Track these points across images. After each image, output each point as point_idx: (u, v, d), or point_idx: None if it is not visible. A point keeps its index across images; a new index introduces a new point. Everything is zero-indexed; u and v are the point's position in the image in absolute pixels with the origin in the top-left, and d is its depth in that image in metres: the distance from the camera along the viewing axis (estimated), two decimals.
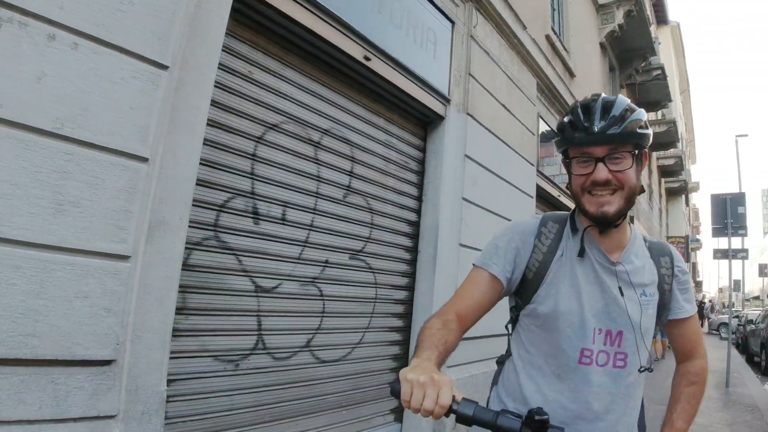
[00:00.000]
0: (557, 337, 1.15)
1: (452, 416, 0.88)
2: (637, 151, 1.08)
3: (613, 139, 1.04)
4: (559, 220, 1.23)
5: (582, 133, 1.05)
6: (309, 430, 2.94)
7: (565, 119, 1.11)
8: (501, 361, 1.32)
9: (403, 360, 3.71)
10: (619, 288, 1.13)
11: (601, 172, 1.04)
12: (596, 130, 1.03)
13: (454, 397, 0.87)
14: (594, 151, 1.06)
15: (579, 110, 1.07)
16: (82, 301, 1.71)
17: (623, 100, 1.08)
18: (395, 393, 0.90)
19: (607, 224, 1.11)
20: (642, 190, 1.12)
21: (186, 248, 2.19)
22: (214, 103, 2.42)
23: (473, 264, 1.23)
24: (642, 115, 1.08)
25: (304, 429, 2.92)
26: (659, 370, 8.78)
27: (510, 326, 1.30)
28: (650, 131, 1.09)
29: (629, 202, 1.09)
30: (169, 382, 2.14)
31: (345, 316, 3.28)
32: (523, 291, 1.21)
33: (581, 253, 1.15)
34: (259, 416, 2.66)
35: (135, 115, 1.88)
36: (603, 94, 1.10)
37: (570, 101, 7.53)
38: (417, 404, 0.85)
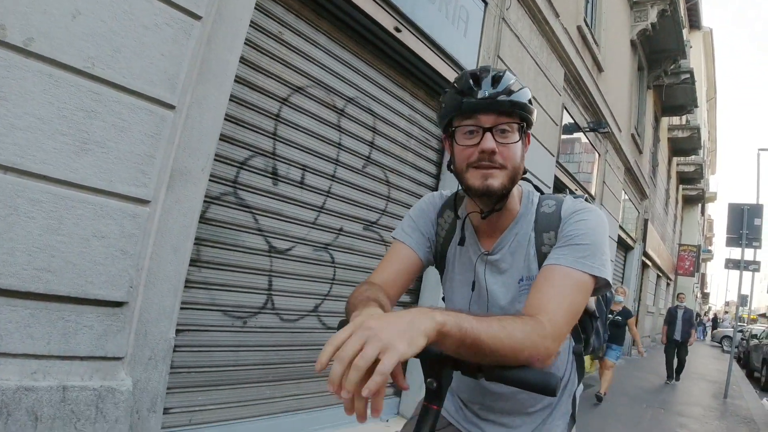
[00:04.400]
0: None
1: None
2: (524, 125, 1.03)
3: (501, 106, 0.99)
4: (453, 208, 1.21)
5: (470, 99, 0.99)
6: (311, 393, 2.98)
7: (451, 88, 1.05)
8: None
9: None
10: (490, 276, 1.11)
11: (489, 141, 0.98)
12: (486, 95, 0.98)
13: None
14: (482, 120, 0.99)
15: (467, 77, 1.02)
16: (99, 240, 1.72)
17: (511, 75, 1.03)
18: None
19: (491, 200, 1.04)
20: (525, 171, 1.07)
21: (204, 201, 2.20)
22: (243, 60, 2.40)
23: (392, 236, 1.24)
24: (528, 93, 1.04)
25: (306, 392, 2.95)
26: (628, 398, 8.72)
27: None
28: (535, 112, 1.05)
29: (513, 182, 1.03)
30: (178, 331, 2.17)
31: (354, 286, 3.27)
32: (438, 270, 1.25)
33: (462, 241, 1.15)
34: (264, 374, 2.70)
35: (165, 62, 1.87)
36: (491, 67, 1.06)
37: (596, 95, 7.40)
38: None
